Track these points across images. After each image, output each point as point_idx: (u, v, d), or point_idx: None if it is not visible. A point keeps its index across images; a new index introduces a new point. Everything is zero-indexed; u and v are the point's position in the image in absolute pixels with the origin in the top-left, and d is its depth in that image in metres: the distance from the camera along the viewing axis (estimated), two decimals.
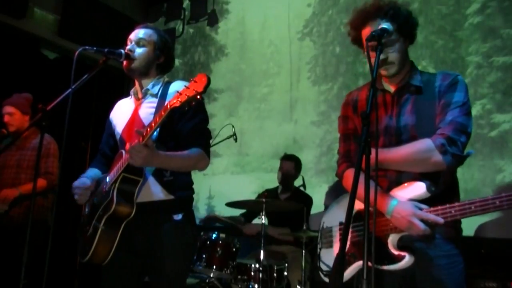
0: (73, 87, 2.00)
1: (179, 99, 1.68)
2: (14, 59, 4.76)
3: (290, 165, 4.20)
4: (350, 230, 1.84)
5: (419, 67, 1.94)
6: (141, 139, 1.79)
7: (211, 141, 2.23)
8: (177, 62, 5.97)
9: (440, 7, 4.31)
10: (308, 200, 4.10)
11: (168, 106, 1.71)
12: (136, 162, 1.81)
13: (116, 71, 4.96)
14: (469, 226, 3.58)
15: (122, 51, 2.08)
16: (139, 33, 2.15)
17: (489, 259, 3.34)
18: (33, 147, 3.49)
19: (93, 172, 2.23)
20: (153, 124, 1.78)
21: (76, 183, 2.09)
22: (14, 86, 3.80)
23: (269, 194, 3.70)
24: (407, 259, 1.65)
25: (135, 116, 2.12)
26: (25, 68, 4.83)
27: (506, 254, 3.39)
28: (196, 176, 2.19)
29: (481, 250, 3.46)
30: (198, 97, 1.66)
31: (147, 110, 2.09)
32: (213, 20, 5.98)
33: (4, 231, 3.34)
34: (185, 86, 1.69)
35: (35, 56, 5.08)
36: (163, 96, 2.07)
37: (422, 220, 1.60)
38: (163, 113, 1.74)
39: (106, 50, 2.05)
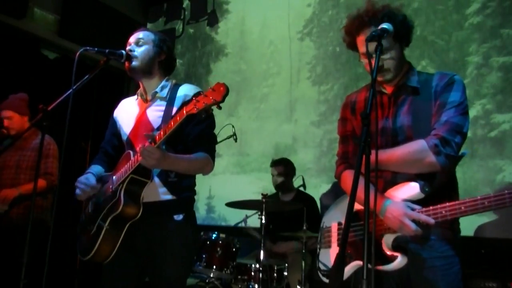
0: (74, 87, 2.00)
1: (196, 107, 1.66)
2: (14, 59, 4.76)
3: (279, 169, 4.18)
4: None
5: (419, 67, 1.93)
6: (153, 143, 1.80)
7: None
8: (177, 62, 5.95)
9: (440, 7, 4.31)
10: (311, 201, 4.10)
11: (184, 112, 1.70)
12: (148, 163, 1.83)
13: (117, 72, 4.98)
14: (468, 226, 3.59)
15: (123, 51, 2.08)
16: (138, 34, 2.17)
17: (489, 259, 3.34)
18: (32, 148, 3.49)
19: (97, 168, 2.23)
20: (167, 130, 1.78)
21: (82, 178, 2.10)
22: (14, 86, 3.81)
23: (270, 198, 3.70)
24: (399, 260, 1.66)
25: (143, 118, 2.12)
26: (25, 68, 4.83)
27: (506, 254, 3.39)
28: (196, 175, 2.19)
29: (481, 250, 3.46)
30: (216, 106, 1.65)
31: (155, 113, 2.09)
32: (213, 20, 5.98)
33: (4, 231, 3.34)
34: (202, 94, 1.68)
35: (35, 56, 5.08)
36: (171, 100, 2.08)
37: (414, 221, 1.60)
38: (178, 118, 1.73)
39: (107, 50, 2.05)
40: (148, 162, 1.82)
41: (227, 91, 1.64)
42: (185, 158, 1.97)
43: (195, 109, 1.66)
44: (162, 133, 1.79)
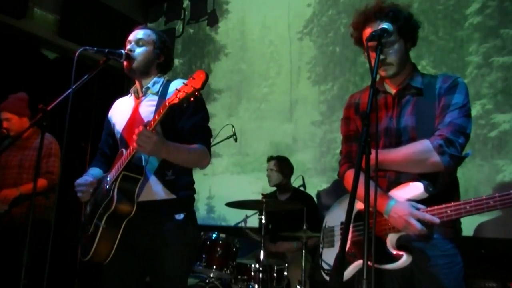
0: (73, 87, 2.01)
1: (177, 96, 1.67)
2: (14, 59, 4.76)
3: (272, 164, 4.16)
4: (351, 229, 1.84)
5: (419, 67, 1.94)
6: (148, 126, 1.77)
7: (211, 140, 2.23)
8: (177, 62, 5.97)
9: (440, 7, 4.31)
10: (309, 200, 4.10)
11: (167, 103, 1.71)
12: (145, 149, 1.78)
13: (116, 71, 4.97)
14: (468, 226, 3.58)
15: (123, 51, 2.08)
16: (138, 33, 2.16)
17: (489, 259, 3.34)
18: (35, 147, 3.49)
19: (94, 171, 2.23)
20: (152, 122, 1.77)
21: (79, 181, 2.09)
22: (14, 86, 3.81)
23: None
24: (404, 259, 1.67)
25: (135, 114, 2.12)
26: (25, 68, 4.83)
27: (506, 254, 3.39)
28: (196, 176, 2.19)
29: (481, 250, 3.46)
30: (196, 93, 1.66)
31: (147, 109, 2.09)
32: (213, 20, 5.98)
33: (5, 231, 3.34)
34: (184, 83, 1.69)
35: (35, 56, 5.08)
36: (163, 95, 2.07)
37: (419, 220, 1.61)
38: (161, 110, 1.74)
39: (106, 50, 2.05)
40: (145, 148, 1.77)
41: (206, 78, 1.65)
42: (185, 148, 1.96)
43: (177, 99, 1.67)
44: (152, 122, 1.78)
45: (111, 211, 1.92)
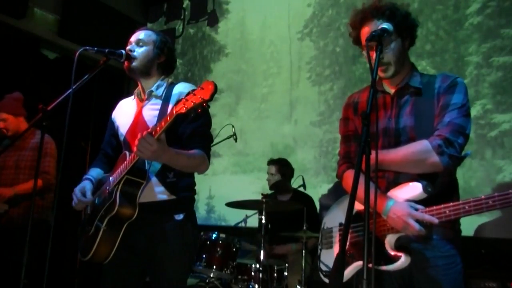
0: (73, 87, 2.00)
1: (185, 106, 1.66)
2: (14, 59, 4.76)
3: (273, 169, 4.18)
4: (350, 230, 1.84)
5: (419, 67, 1.93)
6: (153, 132, 1.76)
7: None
8: (177, 62, 5.97)
9: (440, 7, 4.31)
10: (309, 200, 4.10)
11: (174, 112, 1.69)
12: (144, 155, 1.77)
13: (116, 71, 4.97)
14: (469, 226, 3.59)
15: (123, 51, 2.08)
16: (139, 34, 2.17)
17: (489, 259, 3.34)
18: (31, 147, 3.49)
19: (95, 172, 2.23)
20: (158, 129, 1.76)
21: (78, 189, 2.10)
22: (14, 86, 3.81)
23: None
24: (403, 260, 1.66)
25: (139, 118, 2.12)
26: (25, 68, 4.84)
27: (506, 254, 3.39)
28: (196, 176, 2.19)
29: (481, 250, 3.46)
30: (204, 104, 1.65)
31: (151, 112, 2.09)
32: (213, 20, 5.98)
33: (4, 231, 3.34)
34: (192, 92, 1.67)
35: (35, 56, 5.08)
36: (167, 98, 2.07)
37: (417, 221, 1.60)
38: (168, 118, 1.72)
39: (106, 50, 2.05)
40: (144, 153, 1.76)
41: (215, 89, 1.64)
42: (185, 154, 1.96)
43: (184, 108, 1.66)
44: (158, 128, 1.78)
45: (113, 214, 1.93)
